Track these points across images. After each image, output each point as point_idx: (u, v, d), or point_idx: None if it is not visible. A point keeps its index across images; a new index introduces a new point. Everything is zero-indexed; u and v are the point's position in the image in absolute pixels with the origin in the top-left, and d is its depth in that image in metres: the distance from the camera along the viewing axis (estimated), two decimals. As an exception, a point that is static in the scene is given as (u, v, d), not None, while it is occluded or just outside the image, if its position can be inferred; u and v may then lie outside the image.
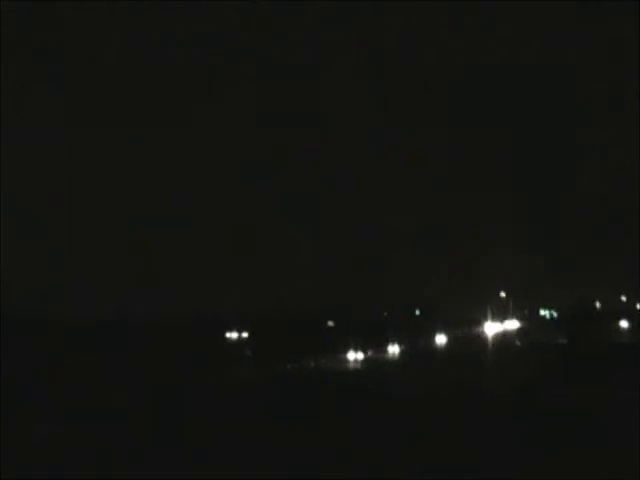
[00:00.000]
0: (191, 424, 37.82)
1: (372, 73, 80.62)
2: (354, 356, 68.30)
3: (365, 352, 69.11)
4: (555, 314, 79.90)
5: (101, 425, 38.48)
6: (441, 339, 75.31)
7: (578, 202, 75.19)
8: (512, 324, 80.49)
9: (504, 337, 76.61)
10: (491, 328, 77.95)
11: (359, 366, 66.38)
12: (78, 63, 77.95)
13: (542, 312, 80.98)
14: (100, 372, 53.14)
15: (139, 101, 78.96)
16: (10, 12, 67.98)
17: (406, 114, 78.85)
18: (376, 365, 66.05)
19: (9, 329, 55.10)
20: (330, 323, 75.05)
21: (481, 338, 75.42)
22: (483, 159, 78.59)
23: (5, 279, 60.03)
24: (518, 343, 73.58)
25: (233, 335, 72.61)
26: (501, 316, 79.10)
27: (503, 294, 77.79)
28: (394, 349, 71.40)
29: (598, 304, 77.31)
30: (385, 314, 77.98)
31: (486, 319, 77.51)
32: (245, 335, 72.94)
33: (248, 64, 79.07)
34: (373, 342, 70.72)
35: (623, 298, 78.04)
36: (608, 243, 70.44)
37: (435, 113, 78.92)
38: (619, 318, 76.04)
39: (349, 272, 73.57)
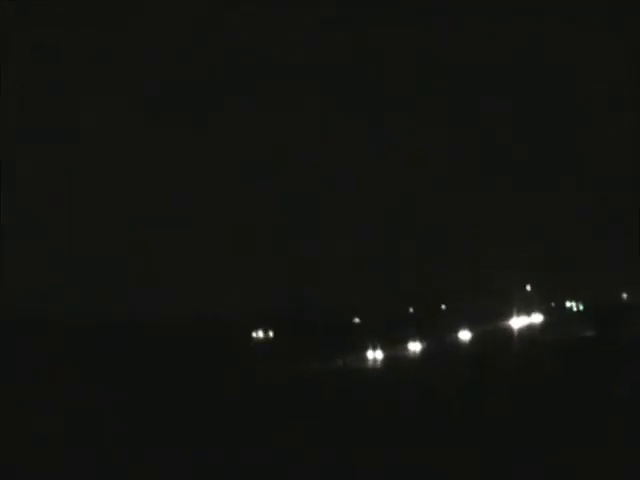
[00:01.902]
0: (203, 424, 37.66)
1: (372, 73, 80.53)
2: (372, 355, 67.80)
3: (384, 351, 68.57)
4: (581, 306, 79.54)
5: (101, 426, 38.27)
6: (465, 335, 74.81)
7: (580, 201, 75.15)
8: (538, 317, 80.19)
9: (530, 331, 76.15)
10: (517, 322, 77.77)
11: (376, 365, 65.86)
12: (77, 63, 77.86)
13: (568, 305, 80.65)
14: (103, 374, 53.03)
15: (138, 101, 78.85)
16: (8, 11, 67.88)
17: (406, 114, 78.76)
18: (392, 365, 65.39)
19: (9, 329, 55.01)
20: (356, 320, 74.83)
21: (506, 333, 74.90)
22: (483, 159, 78.56)
23: (5, 279, 59.92)
24: (544, 337, 72.72)
25: (260, 334, 72.49)
26: (527, 309, 78.95)
27: (529, 287, 77.71)
28: (415, 347, 70.92)
29: (625, 296, 76.86)
30: (410, 310, 77.73)
31: (512, 313, 77.34)
32: (271, 334, 72.79)
33: (248, 64, 78.93)
34: (394, 339, 70.24)
35: None
36: (631, 235, 69.84)
37: (435, 113, 78.82)
38: None
39: (362, 271, 73.50)
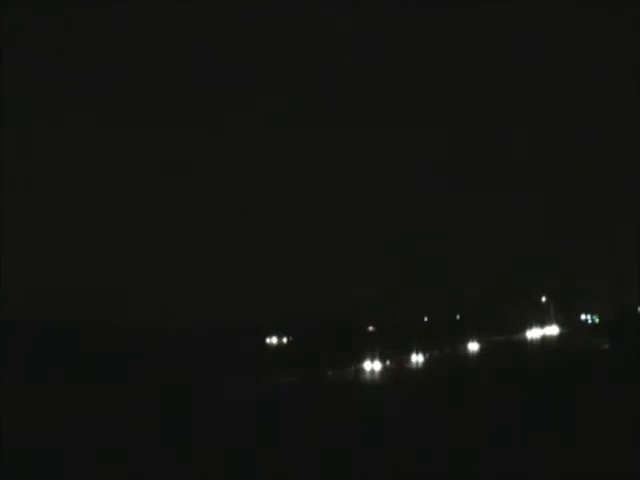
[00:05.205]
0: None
1: (373, 73, 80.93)
2: (370, 367, 67.44)
3: (384, 362, 68.23)
4: (597, 319, 79.01)
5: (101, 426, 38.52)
6: (473, 347, 74.27)
7: (582, 201, 75.43)
8: (552, 329, 79.68)
9: (544, 345, 75.12)
10: (531, 334, 77.45)
11: (367, 378, 65.52)
12: (77, 63, 78.35)
13: (583, 317, 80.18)
14: (104, 375, 53.26)
15: (138, 101, 79.31)
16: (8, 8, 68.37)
17: (407, 114, 79.24)
18: (385, 379, 65.03)
19: (9, 329, 55.23)
20: (370, 328, 74.64)
21: (519, 347, 74.07)
22: (485, 158, 78.94)
23: (5, 279, 60.24)
24: (556, 349, 71.57)
25: (274, 340, 72.55)
26: (541, 321, 78.69)
27: (544, 299, 77.55)
28: (418, 358, 70.52)
29: None
30: (425, 319, 77.53)
31: (526, 324, 77.11)
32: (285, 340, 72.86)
33: (249, 65, 79.47)
34: (400, 349, 70.07)
35: None
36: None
37: (436, 113, 79.29)
38: None
39: (373, 274, 73.81)
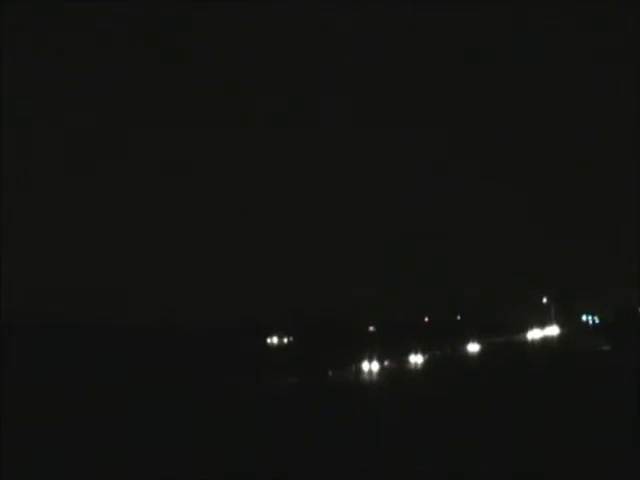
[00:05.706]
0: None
1: (373, 73, 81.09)
2: (370, 367, 67.58)
3: (384, 362, 68.30)
4: (597, 320, 78.96)
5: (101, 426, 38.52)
6: (474, 347, 74.24)
7: (582, 201, 75.61)
8: (552, 330, 79.63)
9: (544, 346, 74.78)
10: (531, 334, 77.44)
11: (367, 379, 65.50)
12: (77, 63, 78.47)
13: (584, 318, 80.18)
14: (106, 376, 53.29)
15: (138, 101, 79.40)
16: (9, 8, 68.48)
17: (407, 114, 79.44)
18: (385, 379, 64.94)
19: (10, 329, 55.25)
20: (371, 328, 74.77)
21: (519, 348, 73.84)
22: (485, 158, 79.15)
23: (5, 279, 60.28)
24: (556, 350, 71.36)
25: (274, 340, 72.67)
26: (542, 321, 78.77)
27: (544, 299, 77.62)
28: (418, 359, 70.57)
29: None
30: (425, 319, 77.70)
31: (526, 325, 77.17)
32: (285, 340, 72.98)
33: (249, 65, 79.67)
34: (400, 349, 70.16)
35: None
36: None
37: (436, 113, 79.49)
38: None
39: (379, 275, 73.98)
